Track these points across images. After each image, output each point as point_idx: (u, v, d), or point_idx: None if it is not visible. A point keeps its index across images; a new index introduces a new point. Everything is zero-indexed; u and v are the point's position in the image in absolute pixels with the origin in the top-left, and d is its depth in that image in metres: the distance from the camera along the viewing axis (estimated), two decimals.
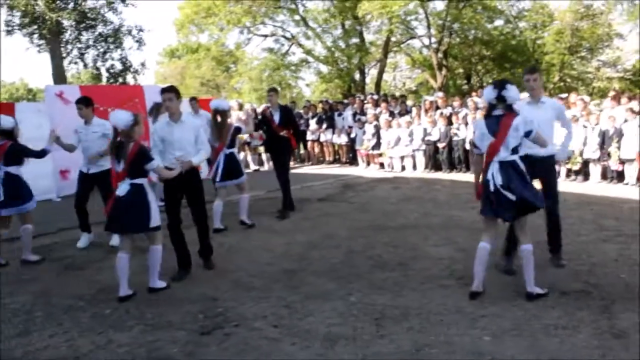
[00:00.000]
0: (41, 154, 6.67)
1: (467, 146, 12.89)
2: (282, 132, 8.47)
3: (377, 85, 25.65)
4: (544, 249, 5.68)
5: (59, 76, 16.69)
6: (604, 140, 11.04)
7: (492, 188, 4.65)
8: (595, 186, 10.88)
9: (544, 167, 5.33)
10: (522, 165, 4.69)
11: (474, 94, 14.89)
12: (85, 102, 6.98)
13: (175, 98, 5.68)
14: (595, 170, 11.36)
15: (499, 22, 24.94)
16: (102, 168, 6.88)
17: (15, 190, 6.45)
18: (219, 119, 7.66)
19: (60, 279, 5.89)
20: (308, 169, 15.01)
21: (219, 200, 7.78)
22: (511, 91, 4.66)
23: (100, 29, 18.34)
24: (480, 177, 4.92)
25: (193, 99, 11.20)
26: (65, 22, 16.95)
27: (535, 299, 4.64)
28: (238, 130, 8.07)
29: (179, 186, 5.62)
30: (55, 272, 6.18)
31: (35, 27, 16.63)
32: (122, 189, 5.04)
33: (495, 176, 4.64)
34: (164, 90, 5.78)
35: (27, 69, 77.88)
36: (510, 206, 4.59)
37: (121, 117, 5.04)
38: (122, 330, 4.40)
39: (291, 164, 16.10)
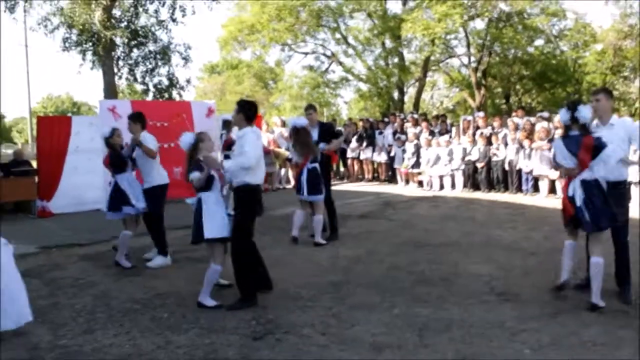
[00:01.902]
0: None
1: (507, 166, 12.99)
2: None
3: (416, 104, 25.85)
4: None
5: (111, 91, 17.36)
6: None
7: (577, 204, 4.98)
8: None
9: (613, 193, 5.17)
10: (603, 184, 5.03)
11: (513, 113, 14.96)
12: (133, 118, 7.27)
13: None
14: (637, 192, 11.30)
15: (539, 42, 24.92)
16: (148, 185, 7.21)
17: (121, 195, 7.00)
18: (299, 135, 7.83)
19: (117, 284, 6.24)
20: (347, 186, 15.24)
21: (301, 210, 8.05)
22: (582, 112, 4.98)
23: (150, 46, 19.03)
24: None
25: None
26: (118, 40, 17.66)
27: (597, 310, 4.87)
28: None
29: None
30: (112, 277, 6.54)
31: (90, 44, 17.41)
32: (192, 201, 5.44)
33: (577, 193, 4.99)
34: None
35: (73, 83, 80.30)
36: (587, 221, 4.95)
37: (183, 140, 5.42)
38: (179, 332, 4.70)
39: (331, 181, 16.49)
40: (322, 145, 8.07)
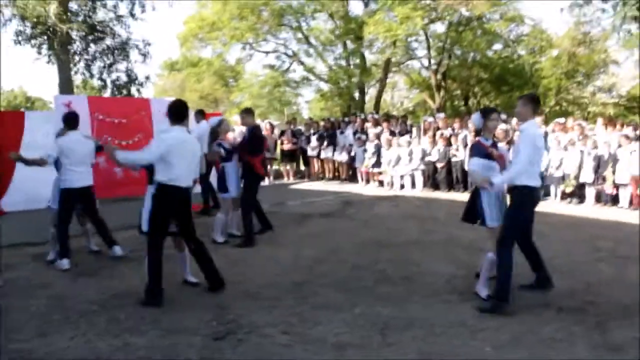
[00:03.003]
0: None
1: (466, 167, 13.15)
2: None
3: (377, 104, 26.00)
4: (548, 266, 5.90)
5: (67, 87, 16.91)
6: (599, 164, 11.33)
7: None
8: (590, 209, 11.14)
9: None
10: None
11: (473, 115, 15.16)
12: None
13: None
14: (590, 193, 11.62)
15: (497, 46, 25.43)
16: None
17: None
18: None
19: (72, 285, 6.04)
20: (308, 185, 15.22)
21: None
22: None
23: (108, 41, 18.62)
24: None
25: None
26: (75, 34, 17.22)
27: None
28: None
29: None
30: (67, 278, 6.34)
31: (45, 38, 16.92)
32: None
33: None
34: None
35: (25, 77, 77.97)
36: None
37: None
38: (138, 334, 4.58)
39: (291, 179, 16.45)
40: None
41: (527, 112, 5.19)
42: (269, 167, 14.81)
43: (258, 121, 17.90)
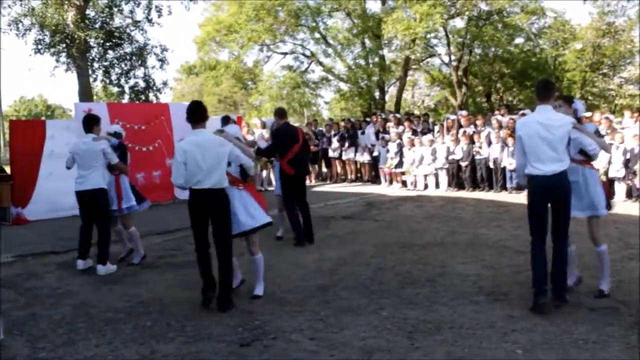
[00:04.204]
0: None
1: (491, 164, 13.07)
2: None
3: (397, 103, 25.92)
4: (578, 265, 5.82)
5: (86, 94, 17.14)
6: (630, 159, 11.16)
7: None
8: (620, 205, 10.97)
9: None
10: None
11: (497, 112, 15.06)
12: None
13: None
14: (620, 189, 11.45)
15: (519, 40, 25.17)
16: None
17: None
18: None
19: (96, 293, 6.11)
20: (330, 187, 15.21)
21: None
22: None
23: (126, 47, 18.83)
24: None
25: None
26: (92, 41, 17.43)
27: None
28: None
29: None
30: (91, 285, 6.42)
31: (64, 46, 17.15)
32: None
33: None
34: None
35: (46, 86, 79.25)
36: None
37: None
38: (165, 341, 4.61)
39: (313, 181, 16.45)
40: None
41: (535, 99, 5.28)
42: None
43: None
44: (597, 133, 5.42)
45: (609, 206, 5.36)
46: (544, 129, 4.93)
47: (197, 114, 5.50)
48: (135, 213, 7.46)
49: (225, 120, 10.76)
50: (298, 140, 8.05)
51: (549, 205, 5.08)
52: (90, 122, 7.16)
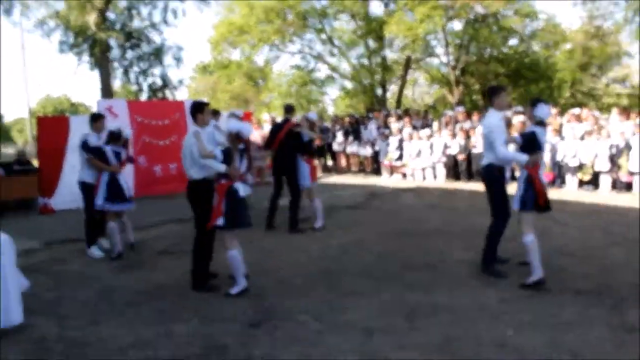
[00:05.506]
0: None
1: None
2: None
3: (398, 100, 25.87)
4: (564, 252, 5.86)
5: (107, 91, 17.21)
6: (615, 153, 11.13)
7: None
8: (605, 196, 10.96)
9: None
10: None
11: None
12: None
13: None
14: (605, 181, 11.43)
15: (513, 41, 25.06)
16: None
17: None
18: None
19: (119, 277, 6.18)
20: (335, 179, 15.23)
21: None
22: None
23: (144, 47, 18.87)
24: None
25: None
26: (113, 42, 17.49)
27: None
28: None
29: None
30: (114, 270, 6.48)
31: (86, 46, 17.22)
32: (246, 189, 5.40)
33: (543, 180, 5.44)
34: None
35: (70, 84, 79.46)
36: None
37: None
38: (181, 322, 4.66)
39: (319, 173, 16.46)
40: None
41: None
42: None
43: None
44: (529, 140, 5.38)
45: (524, 205, 5.32)
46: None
47: (191, 113, 5.66)
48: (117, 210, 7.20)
49: (230, 116, 10.83)
50: (282, 130, 8.23)
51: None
52: (92, 120, 7.37)
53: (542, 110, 5.34)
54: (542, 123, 5.38)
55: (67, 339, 4.38)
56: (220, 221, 5.22)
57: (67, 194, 10.70)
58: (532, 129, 5.40)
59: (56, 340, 4.37)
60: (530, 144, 5.30)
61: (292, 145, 8.15)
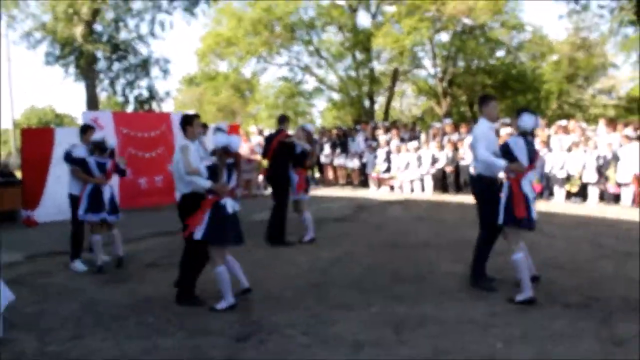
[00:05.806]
0: None
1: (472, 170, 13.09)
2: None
3: (386, 112, 26.00)
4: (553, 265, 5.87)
5: (93, 103, 17.14)
6: (602, 164, 11.24)
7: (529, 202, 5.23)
8: (593, 208, 11.04)
9: None
10: None
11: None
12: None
13: None
14: (593, 192, 11.52)
15: (500, 53, 25.34)
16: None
17: None
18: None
19: (103, 290, 6.10)
20: (322, 191, 15.22)
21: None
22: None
23: (130, 59, 18.85)
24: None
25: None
26: (99, 54, 17.45)
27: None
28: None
29: None
30: (99, 284, 6.40)
31: (73, 58, 17.16)
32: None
33: (529, 191, 5.25)
34: None
35: (55, 95, 78.97)
36: None
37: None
38: (166, 336, 4.60)
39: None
40: None
41: None
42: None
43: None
44: (503, 152, 5.37)
45: (507, 220, 5.22)
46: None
47: (181, 126, 5.66)
48: (102, 222, 7.11)
49: (216, 131, 10.74)
50: (274, 140, 8.24)
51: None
52: (81, 131, 7.36)
53: (526, 120, 5.32)
54: (526, 133, 5.39)
55: (49, 354, 4.30)
56: (198, 234, 5.15)
57: (51, 206, 10.59)
58: (507, 141, 5.44)
59: (37, 354, 4.29)
60: (505, 155, 5.28)
61: (284, 155, 8.12)
